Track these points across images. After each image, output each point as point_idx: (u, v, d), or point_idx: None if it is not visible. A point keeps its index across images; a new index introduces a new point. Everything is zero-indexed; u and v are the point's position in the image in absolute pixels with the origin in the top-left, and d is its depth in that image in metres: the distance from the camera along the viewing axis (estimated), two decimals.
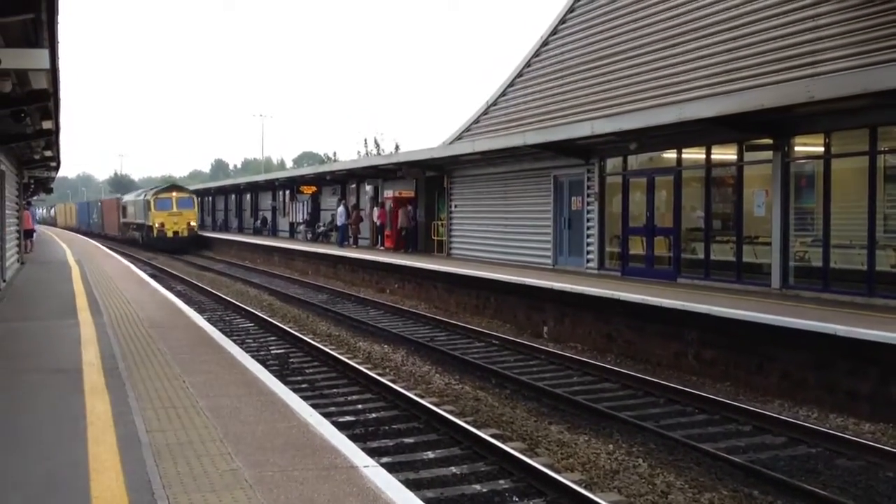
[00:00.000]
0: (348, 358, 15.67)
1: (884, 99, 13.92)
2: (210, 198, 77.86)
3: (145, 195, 57.43)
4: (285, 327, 19.32)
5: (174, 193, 55.64)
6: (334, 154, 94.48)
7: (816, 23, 16.97)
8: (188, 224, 54.49)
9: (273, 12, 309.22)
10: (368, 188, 40.01)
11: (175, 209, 54.03)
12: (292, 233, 51.23)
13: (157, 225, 53.52)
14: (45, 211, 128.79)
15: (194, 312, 16.22)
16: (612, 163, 22.87)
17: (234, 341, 13.62)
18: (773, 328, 13.25)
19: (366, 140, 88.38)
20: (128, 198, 68.59)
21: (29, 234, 34.41)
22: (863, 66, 15.63)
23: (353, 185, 42.41)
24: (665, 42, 21.32)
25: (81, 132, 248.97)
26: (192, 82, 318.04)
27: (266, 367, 11.72)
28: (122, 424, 7.58)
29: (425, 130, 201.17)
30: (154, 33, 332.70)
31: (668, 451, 10.12)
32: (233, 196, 70.41)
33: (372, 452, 8.20)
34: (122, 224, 65.97)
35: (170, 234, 53.69)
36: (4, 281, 21.05)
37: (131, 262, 33.29)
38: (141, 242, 56.92)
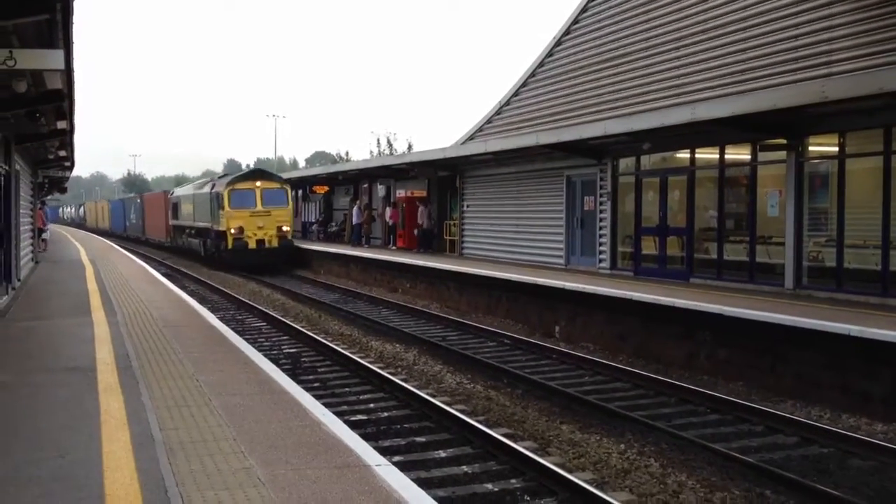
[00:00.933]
0: (360, 357, 15.71)
1: None
2: None
3: (213, 186, 39.89)
4: (298, 326, 19.37)
5: (258, 183, 37.24)
6: (347, 154, 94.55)
7: (831, 23, 16.89)
8: (279, 229, 36.94)
9: (286, 13, 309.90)
10: (381, 188, 40.03)
11: (260, 206, 36.57)
12: (305, 232, 51.34)
13: (232, 230, 36.10)
14: (73, 210, 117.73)
15: (207, 311, 16.29)
16: (625, 163, 22.83)
17: (247, 340, 13.67)
18: (787, 328, 13.20)
19: (378, 140, 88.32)
20: (181, 191, 49.36)
21: (39, 232, 34.48)
22: (878, 66, 15.55)
23: (366, 185, 42.46)
24: (677, 42, 21.27)
25: (95, 132, 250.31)
26: (206, 83, 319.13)
27: (279, 366, 11.76)
28: (136, 422, 7.63)
29: (438, 130, 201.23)
30: (168, 35, 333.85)
31: (680, 451, 10.10)
32: None
33: (384, 451, 8.22)
34: (173, 228, 49.40)
35: (252, 243, 36.23)
36: (19, 280, 21.17)
37: (145, 262, 33.42)
38: (204, 255, 40.83)
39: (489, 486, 8.85)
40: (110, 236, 72.10)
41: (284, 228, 36.76)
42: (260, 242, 36.05)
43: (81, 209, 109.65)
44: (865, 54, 16.16)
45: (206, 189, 40.59)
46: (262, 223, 36.13)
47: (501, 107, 30.26)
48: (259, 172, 40.16)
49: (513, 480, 9.00)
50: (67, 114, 16.87)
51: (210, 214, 38.61)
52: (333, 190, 47.64)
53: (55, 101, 14.32)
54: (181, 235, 46.89)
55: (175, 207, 48.30)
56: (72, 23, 10.58)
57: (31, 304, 17.10)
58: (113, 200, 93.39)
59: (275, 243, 36.32)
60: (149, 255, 45.31)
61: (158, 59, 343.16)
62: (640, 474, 9.32)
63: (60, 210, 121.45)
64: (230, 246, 35.80)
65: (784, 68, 17.92)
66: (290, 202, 38.07)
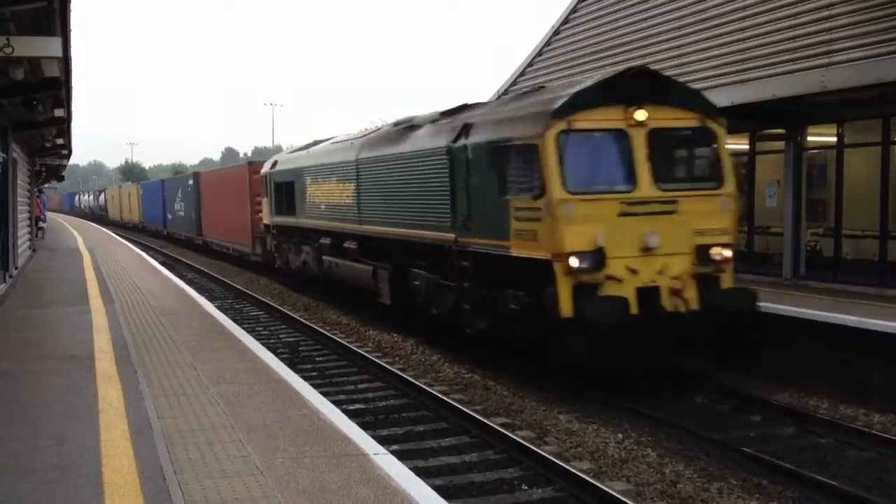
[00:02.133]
0: (358, 347, 15.71)
1: None
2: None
3: (458, 126, 13.94)
4: (295, 316, 19.36)
5: (643, 113, 11.66)
6: None
7: (830, 12, 16.83)
8: (701, 253, 11.80)
9: (284, 1, 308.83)
10: None
11: (651, 184, 11.72)
12: None
13: (576, 260, 11.21)
14: (90, 198, 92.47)
15: (205, 300, 16.28)
16: None
17: (245, 329, 13.67)
18: (782, 318, 13.14)
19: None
20: (303, 157, 23.32)
21: (36, 220, 34.30)
22: (878, 55, 15.51)
23: None
24: (675, 32, 21.20)
25: (93, 120, 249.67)
26: (203, 71, 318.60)
27: (277, 355, 11.76)
28: (134, 411, 7.64)
29: None
30: (165, 23, 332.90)
31: (678, 441, 10.11)
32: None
33: (382, 440, 8.22)
34: (275, 234, 26.32)
35: (632, 300, 11.23)
36: (16, 268, 21.15)
37: (143, 251, 33.39)
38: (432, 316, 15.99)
39: (487, 475, 8.86)
40: (142, 233, 56.67)
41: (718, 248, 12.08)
42: (651, 297, 11.58)
43: (102, 196, 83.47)
44: (865, 44, 16.11)
45: (427, 136, 15.31)
46: (660, 236, 11.67)
47: (500, 95, 30.17)
48: (645, 76, 12.22)
49: (510, 469, 9.02)
50: (65, 102, 16.84)
51: (450, 207, 14.00)
52: None
53: (53, 88, 14.29)
54: (291, 254, 24.37)
55: (285, 191, 23.97)
56: (69, 10, 10.56)
57: (28, 292, 17.09)
58: (147, 183, 67.27)
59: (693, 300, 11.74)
60: (147, 244, 44.88)
61: (156, 48, 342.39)
62: (638, 464, 9.33)
63: (77, 198, 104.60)
64: (572, 311, 11.21)
65: (783, 58, 17.86)
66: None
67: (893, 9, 15.56)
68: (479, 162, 13.05)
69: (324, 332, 17.11)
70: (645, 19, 22.42)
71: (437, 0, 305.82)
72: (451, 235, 13.85)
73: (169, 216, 48.87)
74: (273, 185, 25.29)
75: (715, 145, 12.39)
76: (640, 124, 11.68)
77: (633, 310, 11.15)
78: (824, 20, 17.02)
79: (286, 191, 23.52)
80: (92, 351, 10.47)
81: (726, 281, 12.12)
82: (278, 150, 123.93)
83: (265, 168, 27.03)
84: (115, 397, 8.15)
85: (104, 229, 53.17)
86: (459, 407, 11.03)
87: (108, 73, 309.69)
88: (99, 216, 78.56)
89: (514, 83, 29.41)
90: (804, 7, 17.46)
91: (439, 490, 7.69)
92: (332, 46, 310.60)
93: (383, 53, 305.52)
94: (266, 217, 26.61)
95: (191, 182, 41.54)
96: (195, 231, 40.66)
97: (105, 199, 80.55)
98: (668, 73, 21.15)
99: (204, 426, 7.20)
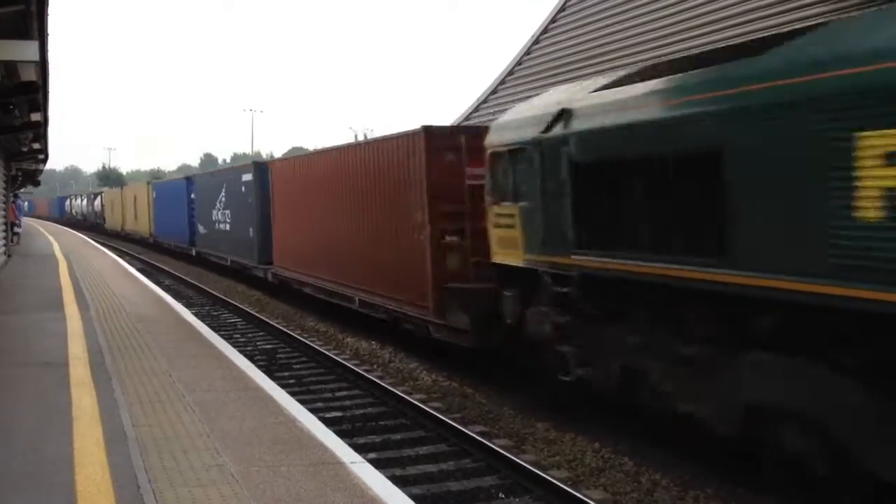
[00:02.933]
0: (336, 354, 15.66)
1: None
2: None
3: None
4: (273, 323, 19.27)
5: None
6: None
7: (807, 24, 17.01)
8: None
9: (264, 6, 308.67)
10: None
11: None
12: None
13: None
14: (83, 202, 77.89)
15: (182, 307, 16.19)
16: None
17: (222, 336, 13.59)
18: None
19: (356, 135, 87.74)
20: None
21: (12, 226, 33.88)
22: None
23: None
24: (657, 42, 21.34)
25: (69, 124, 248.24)
26: (180, 76, 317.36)
27: (254, 362, 11.71)
28: (109, 418, 7.57)
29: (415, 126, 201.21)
30: (141, 26, 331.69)
31: (655, 449, 10.12)
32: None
33: (359, 448, 8.19)
34: (550, 306, 10.58)
35: None
36: None
37: (120, 257, 33.17)
38: None
39: (464, 483, 8.85)
40: (154, 249, 43.67)
41: None
42: None
43: (98, 201, 68.28)
44: None
45: None
46: None
47: (479, 104, 30.25)
48: None
49: (488, 478, 9.01)
50: (41, 106, 16.70)
51: None
52: None
53: (29, 92, 14.17)
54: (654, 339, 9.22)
55: (599, 188, 9.54)
56: (47, 14, 10.48)
57: (2, 297, 16.92)
58: (164, 183, 48.33)
59: None
60: (124, 250, 44.51)
61: (134, 51, 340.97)
62: (615, 472, 9.34)
63: (68, 203, 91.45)
64: None
65: None
66: None
67: None
68: None
69: (301, 339, 17.04)
70: (626, 29, 22.57)
71: (429, 5, 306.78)
72: None
73: (200, 229, 34.03)
74: (550, 171, 10.38)
75: None
76: None
77: None
78: None
79: (606, 187, 9.40)
80: (66, 358, 10.38)
81: None
82: (258, 156, 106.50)
83: (510, 133, 11.55)
84: (90, 404, 8.07)
85: (86, 238, 52.50)
86: (437, 415, 11.01)
87: (86, 77, 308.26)
88: (94, 225, 67.48)
89: (493, 92, 29.53)
90: (784, 18, 17.64)
91: (416, 499, 7.67)
92: (312, 53, 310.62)
93: (364, 61, 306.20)
94: (516, 248, 11.36)
95: (248, 178, 26.55)
96: (257, 257, 25.70)
97: (101, 205, 66.21)
98: None
99: (179, 434, 7.14)
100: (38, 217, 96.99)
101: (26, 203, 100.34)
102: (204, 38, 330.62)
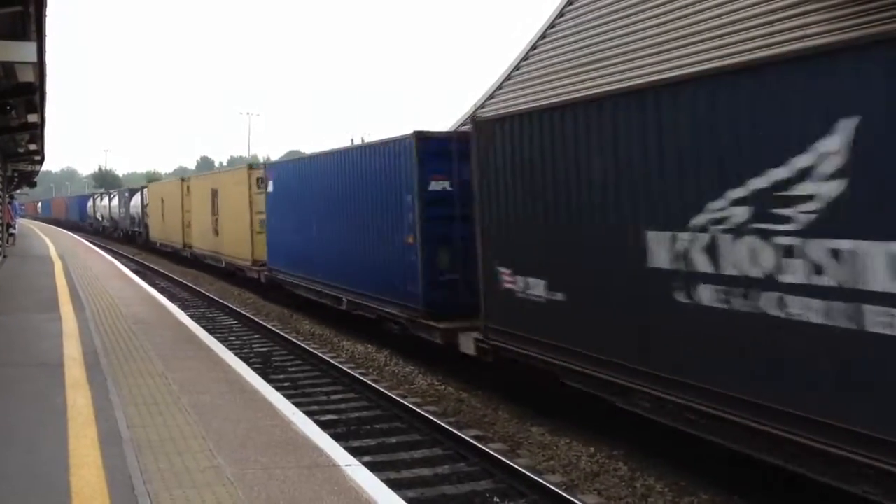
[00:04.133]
0: (331, 357, 15.65)
1: None
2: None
3: None
4: (269, 325, 19.26)
5: None
6: None
7: (805, 32, 17.06)
8: None
9: (262, 10, 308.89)
10: None
11: None
12: None
13: None
14: (115, 203, 57.14)
15: (178, 309, 16.17)
16: None
17: (217, 339, 13.58)
18: None
19: (353, 140, 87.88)
20: None
21: (7, 227, 33.67)
22: None
23: None
24: (654, 48, 21.39)
25: (66, 126, 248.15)
26: (178, 78, 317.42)
27: (249, 364, 11.70)
28: (104, 420, 7.56)
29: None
30: (138, 28, 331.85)
31: (650, 454, 10.13)
32: None
33: (354, 452, 8.18)
34: None
35: None
36: None
37: (115, 259, 33.12)
38: None
39: (459, 487, 8.85)
40: (257, 288, 25.56)
41: None
42: None
43: (135, 201, 48.02)
44: None
45: None
46: None
47: (477, 109, 30.26)
48: None
49: (483, 482, 9.01)
50: (39, 107, 16.68)
51: None
52: None
53: (26, 93, 14.16)
54: None
55: None
56: (45, 15, 10.48)
57: None
58: (286, 164, 24.47)
59: None
60: (118, 252, 44.36)
61: (132, 53, 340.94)
62: (609, 477, 9.35)
63: (90, 204, 69.15)
64: None
65: None
66: None
67: (862, 30, 15.81)
68: None
69: (297, 342, 17.03)
70: (626, 34, 22.62)
71: (416, 8, 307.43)
72: None
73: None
74: None
75: None
76: None
77: None
78: (799, 40, 17.24)
79: None
80: (62, 358, 10.36)
81: None
82: (255, 159, 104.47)
83: None
84: (85, 405, 8.06)
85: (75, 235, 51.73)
86: (432, 419, 11.01)
87: (84, 79, 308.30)
88: (130, 235, 49.14)
89: (490, 97, 29.57)
90: (779, 27, 17.71)
91: (411, 502, 7.69)
92: (310, 57, 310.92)
93: (363, 66, 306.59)
94: None
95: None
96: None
97: (142, 206, 45.43)
98: None
99: (174, 436, 7.13)
100: (50, 223, 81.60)
101: (40, 204, 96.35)
102: (200, 41, 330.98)
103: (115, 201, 57.33)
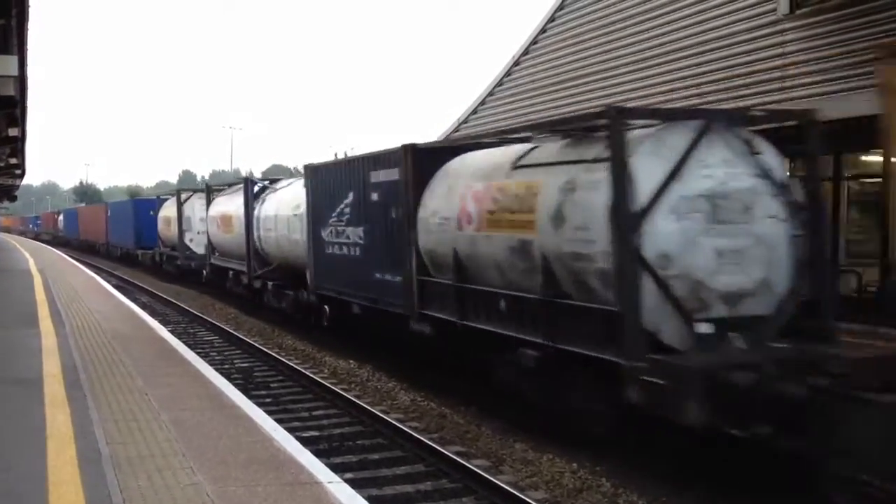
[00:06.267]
0: (313, 373, 15.59)
1: (847, 127, 14.10)
2: None
3: None
4: (250, 341, 19.17)
5: None
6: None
7: (784, 49, 17.21)
8: None
9: (243, 24, 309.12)
10: None
11: None
12: None
13: None
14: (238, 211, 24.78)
15: (158, 324, 16.08)
16: None
17: (198, 354, 13.50)
18: None
19: (336, 154, 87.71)
20: None
21: None
22: (830, 92, 15.86)
23: None
24: (635, 65, 21.52)
25: (46, 140, 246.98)
26: (160, 92, 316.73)
27: (230, 380, 11.63)
28: (83, 437, 7.49)
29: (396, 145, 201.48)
30: (118, 42, 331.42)
31: (633, 471, 10.12)
32: None
33: (336, 468, 8.14)
34: None
35: None
36: None
37: (96, 273, 32.90)
38: None
39: None
40: None
41: None
42: None
43: (262, 211, 22.94)
44: (818, 81, 16.48)
45: None
46: None
47: (460, 124, 30.33)
48: None
49: (465, 499, 8.97)
50: (20, 121, 16.62)
51: None
52: None
53: (7, 107, 14.10)
54: None
55: None
56: (27, 29, 10.45)
57: None
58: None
59: None
60: (101, 267, 44.16)
61: (113, 67, 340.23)
62: (593, 493, 9.33)
63: (168, 214, 36.22)
64: None
65: (740, 92, 18.19)
66: None
67: (842, 48, 15.97)
68: None
69: (279, 357, 16.96)
70: (607, 51, 22.75)
71: (401, 22, 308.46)
72: None
73: None
74: None
75: None
76: None
77: None
78: (778, 57, 17.39)
79: None
80: (41, 375, 10.27)
81: None
82: (237, 174, 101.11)
83: None
84: (64, 423, 7.98)
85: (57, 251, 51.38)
86: (415, 435, 10.97)
87: (65, 92, 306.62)
88: (178, 266, 33.25)
89: (473, 112, 29.63)
90: (760, 44, 17.85)
91: None
92: (290, 73, 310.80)
93: (344, 80, 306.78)
94: None
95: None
96: None
97: (261, 221, 23.04)
98: (632, 104, 21.45)
99: (154, 453, 7.08)
100: (71, 249, 58.83)
101: (61, 217, 78.11)
102: (181, 55, 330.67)
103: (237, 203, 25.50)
